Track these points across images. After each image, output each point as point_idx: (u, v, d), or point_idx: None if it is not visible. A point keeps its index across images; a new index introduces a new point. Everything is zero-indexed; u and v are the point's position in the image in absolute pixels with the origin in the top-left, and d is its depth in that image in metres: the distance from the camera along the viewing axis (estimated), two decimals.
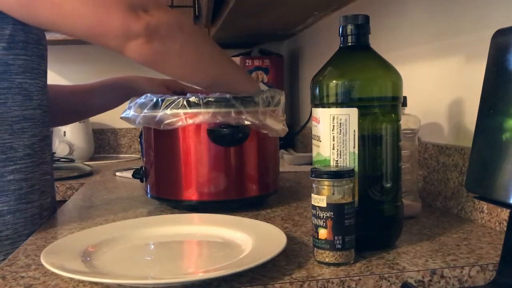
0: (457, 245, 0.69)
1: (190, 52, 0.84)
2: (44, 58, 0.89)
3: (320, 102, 0.67)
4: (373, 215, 0.66)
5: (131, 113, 0.94)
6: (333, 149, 0.65)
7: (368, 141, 0.65)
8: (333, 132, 0.65)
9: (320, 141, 0.67)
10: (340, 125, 0.64)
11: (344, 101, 0.64)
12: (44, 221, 0.88)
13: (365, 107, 0.64)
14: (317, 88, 0.67)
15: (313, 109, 0.69)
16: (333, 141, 0.65)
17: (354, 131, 0.64)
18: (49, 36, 1.67)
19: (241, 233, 0.71)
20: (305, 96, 1.89)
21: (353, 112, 0.64)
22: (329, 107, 0.66)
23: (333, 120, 0.65)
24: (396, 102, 0.67)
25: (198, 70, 0.87)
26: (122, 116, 0.96)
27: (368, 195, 0.65)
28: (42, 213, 0.88)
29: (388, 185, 0.66)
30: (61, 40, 1.71)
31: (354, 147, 0.64)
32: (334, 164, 0.65)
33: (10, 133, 0.80)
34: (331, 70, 0.67)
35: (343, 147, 0.64)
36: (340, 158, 0.65)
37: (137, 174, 1.01)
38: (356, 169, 0.64)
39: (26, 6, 0.74)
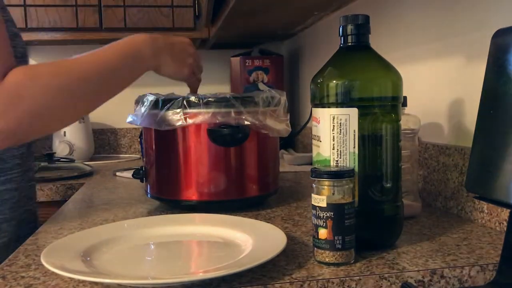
0: (457, 245, 0.69)
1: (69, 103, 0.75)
2: (24, 60, 0.87)
3: (320, 102, 0.67)
4: (373, 215, 0.66)
5: (134, 114, 0.95)
6: (333, 149, 0.65)
7: (368, 141, 0.65)
8: (333, 132, 0.65)
9: (320, 141, 0.67)
10: (340, 125, 0.64)
11: (344, 101, 0.64)
12: (31, 225, 0.89)
13: (365, 107, 0.64)
14: (317, 88, 0.67)
15: (313, 109, 0.69)
16: (333, 141, 0.65)
17: (354, 131, 0.64)
18: (48, 37, 1.68)
19: (241, 233, 0.71)
20: (305, 96, 1.89)
21: (353, 112, 0.64)
22: (329, 107, 0.66)
23: (333, 120, 0.65)
24: (396, 102, 0.67)
25: (89, 100, 0.78)
26: (128, 121, 0.97)
27: (368, 195, 0.65)
28: (29, 218, 0.89)
29: (388, 185, 0.66)
30: (60, 40, 1.71)
31: (354, 147, 0.64)
32: (334, 164, 0.65)
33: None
34: (331, 70, 0.67)
35: (343, 147, 0.64)
36: (340, 158, 0.65)
37: (137, 174, 1.01)
38: (356, 169, 0.64)
39: None
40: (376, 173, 0.65)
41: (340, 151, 0.65)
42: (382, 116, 0.65)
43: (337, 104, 0.65)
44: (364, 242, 0.64)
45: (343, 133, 0.64)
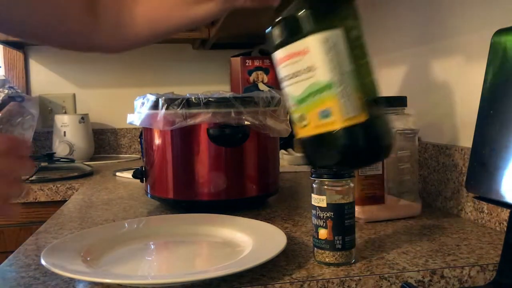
0: (457, 245, 0.69)
1: None
2: None
3: (307, 31, 0.62)
4: (379, 126, 0.63)
5: (134, 114, 0.95)
6: (333, 71, 0.61)
7: (356, 53, 0.62)
8: (329, 55, 0.61)
9: (315, 69, 0.62)
10: (334, 46, 0.61)
11: (330, 21, 0.61)
12: None
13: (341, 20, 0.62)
14: (300, 19, 0.62)
15: (292, 45, 0.64)
16: (331, 63, 0.61)
17: (345, 48, 0.61)
18: None
19: (241, 233, 0.71)
20: None
21: (340, 30, 0.61)
22: (318, 32, 0.61)
23: (326, 43, 0.60)
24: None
25: None
26: (128, 122, 0.97)
27: (373, 106, 0.62)
28: None
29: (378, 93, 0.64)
30: None
31: (350, 63, 0.61)
32: (338, 85, 0.61)
33: None
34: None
35: (341, 67, 0.61)
36: (342, 77, 0.61)
37: (137, 174, 1.01)
38: (358, 83, 0.61)
39: None
40: (372, 83, 0.63)
41: (340, 71, 0.61)
42: (355, 24, 0.63)
43: (324, 28, 0.61)
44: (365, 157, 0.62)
45: (338, 53, 0.61)
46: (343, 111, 0.60)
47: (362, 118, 0.61)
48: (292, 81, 0.65)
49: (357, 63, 0.63)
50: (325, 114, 0.62)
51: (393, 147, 0.66)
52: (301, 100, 0.65)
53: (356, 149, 0.62)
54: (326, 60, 0.61)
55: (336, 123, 0.60)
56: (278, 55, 0.66)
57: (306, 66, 0.63)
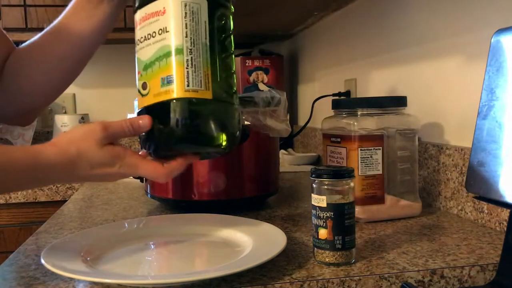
0: (457, 245, 0.69)
1: None
2: None
3: None
4: (222, 111, 0.61)
5: (134, 114, 0.95)
6: (186, 36, 0.59)
7: (217, 34, 0.61)
8: (185, 19, 0.59)
9: (168, 31, 0.60)
10: (193, 13, 0.60)
11: None
12: None
13: None
14: None
15: (153, 3, 0.62)
16: (186, 28, 0.59)
17: (205, 21, 0.60)
18: None
19: (241, 233, 0.71)
20: (305, 96, 1.89)
21: (204, 2, 0.60)
22: None
23: (185, 7, 0.60)
24: None
25: None
26: None
27: (223, 92, 0.61)
28: None
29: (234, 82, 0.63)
30: None
31: (206, 38, 0.60)
32: (188, 53, 0.59)
33: None
34: None
35: (196, 36, 0.60)
36: (193, 47, 0.59)
37: None
38: (211, 60, 0.60)
39: None
40: (229, 76, 0.62)
41: (194, 39, 0.60)
42: (225, 7, 0.62)
43: None
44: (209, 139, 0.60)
45: (196, 22, 0.60)
46: (186, 81, 0.57)
47: (205, 95, 0.58)
48: (144, 44, 0.62)
49: (215, 43, 0.60)
50: (167, 81, 0.58)
51: (235, 143, 0.63)
52: (148, 65, 0.61)
53: (190, 125, 0.58)
54: (181, 24, 0.58)
55: (175, 91, 0.57)
56: (138, 15, 0.63)
57: (160, 28, 0.60)
